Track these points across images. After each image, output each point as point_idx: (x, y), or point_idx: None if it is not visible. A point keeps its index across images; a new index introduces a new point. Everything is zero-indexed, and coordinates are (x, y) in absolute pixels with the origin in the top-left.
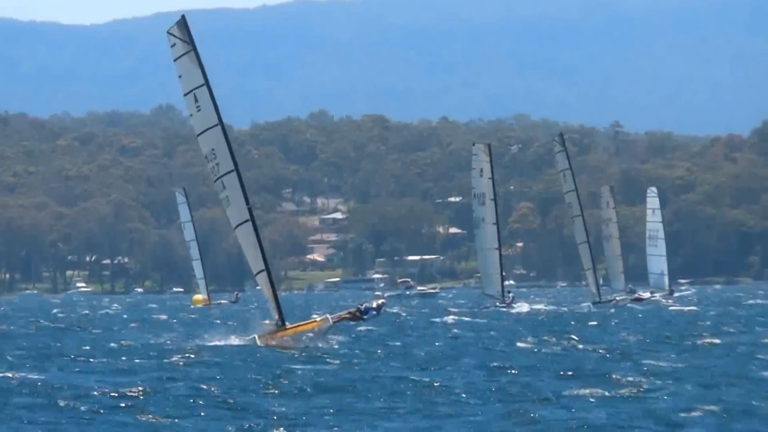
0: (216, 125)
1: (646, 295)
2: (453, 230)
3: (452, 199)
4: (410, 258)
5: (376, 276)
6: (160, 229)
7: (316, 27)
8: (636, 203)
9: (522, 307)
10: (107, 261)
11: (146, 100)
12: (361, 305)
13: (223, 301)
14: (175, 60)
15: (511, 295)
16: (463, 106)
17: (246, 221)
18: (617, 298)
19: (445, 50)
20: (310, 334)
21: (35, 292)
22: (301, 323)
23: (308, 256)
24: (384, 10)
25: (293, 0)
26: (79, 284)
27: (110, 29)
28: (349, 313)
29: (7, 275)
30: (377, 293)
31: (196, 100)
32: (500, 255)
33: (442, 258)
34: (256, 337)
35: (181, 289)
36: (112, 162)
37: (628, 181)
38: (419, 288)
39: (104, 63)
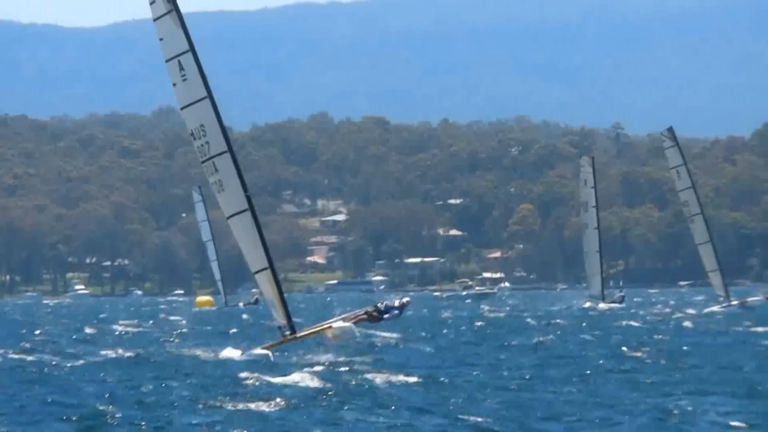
0: (204, 98)
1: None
2: (453, 232)
3: (453, 201)
4: (410, 260)
5: (376, 278)
6: (160, 231)
7: (317, 29)
8: (636, 205)
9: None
10: (107, 263)
11: (147, 102)
12: (381, 304)
13: (240, 304)
14: (155, 20)
15: (621, 294)
16: (464, 108)
17: (244, 211)
18: (747, 300)
19: (446, 52)
20: (332, 334)
21: (35, 294)
22: (314, 328)
23: (308, 258)
24: (384, 12)
25: (294, 2)
26: (78, 286)
27: (111, 32)
28: (366, 312)
29: (8, 277)
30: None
31: (181, 68)
32: (601, 257)
33: (442, 260)
34: (270, 353)
35: (182, 292)
36: (113, 164)
37: (628, 183)
38: (477, 288)
39: (105, 65)
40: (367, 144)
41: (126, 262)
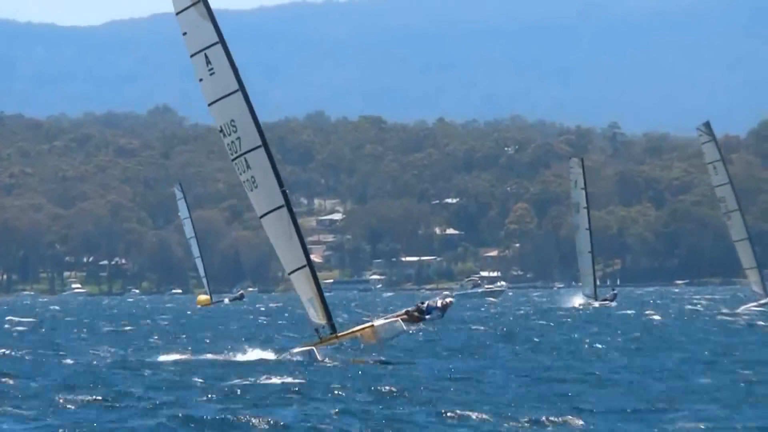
0: (236, 91)
1: None
2: (450, 231)
3: (449, 200)
4: (407, 259)
5: (373, 277)
6: (157, 230)
7: (313, 28)
8: (632, 204)
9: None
10: (105, 262)
11: (143, 101)
12: (422, 304)
13: (226, 300)
14: (178, 13)
15: (614, 292)
16: (460, 107)
17: (280, 207)
18: None
19: (441, 51)
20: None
21: (32, 293)
22: (355, 329)
23: None
24: (380, 11)
25: (290, 1)
26: (74, 285)
27: (107, 31)
28: (407, 312)
29: (5, 276)
30: (445, 293)
31: (208, 62)
32: (593, 257)
33: (439, 259)
34: (315, 350)
35: (179, 291)
36: (109, 163)
37: (624, 182)
38: (486, 287)
39: (101, 64)
40: (364, 143)
41: (123, 261)
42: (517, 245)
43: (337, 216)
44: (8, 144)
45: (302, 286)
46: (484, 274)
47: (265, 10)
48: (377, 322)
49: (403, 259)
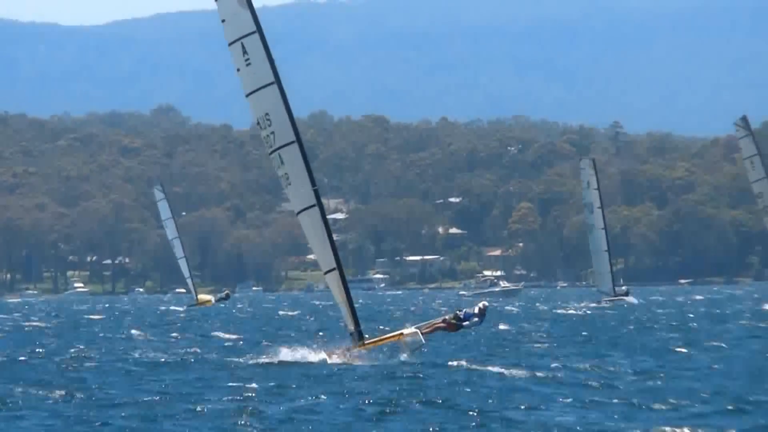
0: (271, 83)
1: None
2: (453, 230)
3: (452, 199)
4: (410, 258)
5: (377, 276)
6: (160, 229)
7: (317, 28)
8: (636, 204)
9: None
10: (108, 261)
11: (146, 100)
12: (460, 311)
13: (212, 299)
14: (217, 0)
15: (624, 288)
16: (463, 106)
17: (312, 206)
18: None
19: (445, 52)
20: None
21: (35, 292)
22: (384, 336)
23: (308, 257)
24: (384, 11)
25: (293, 2)
26: (77, 284)
27: (110, 30)
28: (444, 321)
29: (8, 275)
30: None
31: (245, 52)
32: (609, 256)
33: (442, 258)
34: (326, 355)
35: (183, 290)
36: (113, 162)
37: (628, 182)
38: (503, 285)
39: (104, 64)
40: (367, 143)
41: (126, 260)
42: (521, 244)
43: (340, 215)
44: (11, 143)
45: (333, 289)
46: (487, 273)
47: (268, 11)
48: (406, 331)
49: (407, 258)
